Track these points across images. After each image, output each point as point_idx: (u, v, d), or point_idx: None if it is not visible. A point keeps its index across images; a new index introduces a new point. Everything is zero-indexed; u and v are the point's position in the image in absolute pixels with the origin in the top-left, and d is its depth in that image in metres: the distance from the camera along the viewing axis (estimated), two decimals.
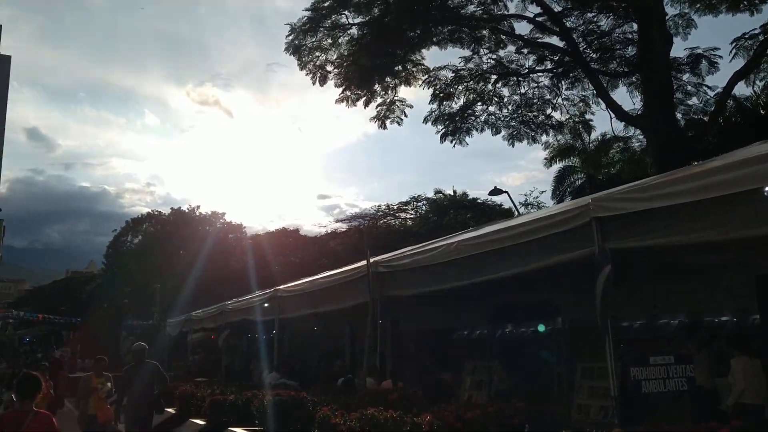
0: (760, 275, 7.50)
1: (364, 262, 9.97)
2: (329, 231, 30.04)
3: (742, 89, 16.73)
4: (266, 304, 13.91)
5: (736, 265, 7.56)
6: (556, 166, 30.94)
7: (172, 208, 54.27)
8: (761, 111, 17.78)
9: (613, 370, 5.08)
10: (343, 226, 28.37)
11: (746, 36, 15.24)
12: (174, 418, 12.06)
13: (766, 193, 4.57)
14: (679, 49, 16.26)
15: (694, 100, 18.10)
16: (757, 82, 16.09)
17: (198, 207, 54.11)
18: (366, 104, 18.23)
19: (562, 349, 10.45)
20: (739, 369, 7.04)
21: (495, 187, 20.70)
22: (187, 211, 53.75)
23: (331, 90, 19.04)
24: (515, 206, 23.88)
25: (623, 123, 17.59)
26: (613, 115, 16.49)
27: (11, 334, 57.99)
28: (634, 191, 5.23)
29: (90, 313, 47.99)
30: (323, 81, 18.87)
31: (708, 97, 16.34)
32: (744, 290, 7.91)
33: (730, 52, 15.77)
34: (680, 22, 16.91)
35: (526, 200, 28.40)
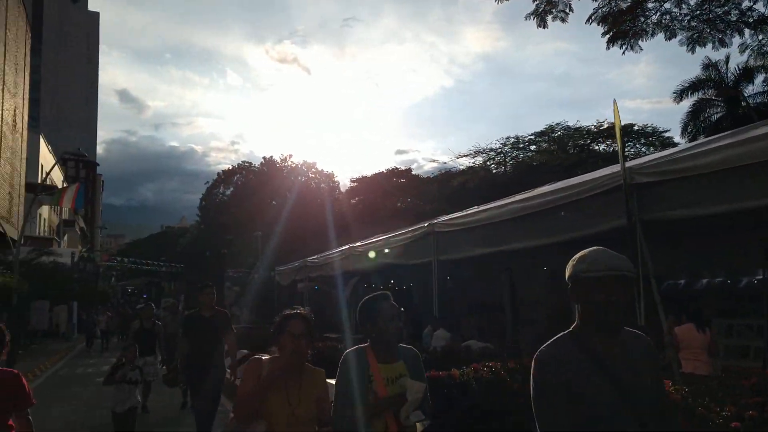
0: None
1: (606, 171, 6.79)
2: (443, 171, 26.95)
3: None
4: (416, 244, 11.12)
5: None
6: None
7: (264, 158, 52.75)
8: None
9: None
10: (463, 163, 25.17)
11: None
12: None
13: None
14: None
15: None
16: None
17: (290, 156, 52.37)
18: None
19: None
20: None
21: None
22: (279, 161, 52.21)
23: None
24: None
25: None
26: None
27: (114, 285, 59.27)
28: None
29: (189, 264, 47.69)
30: None
31: None
32: None
33: None
34: None
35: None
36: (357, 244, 15.02)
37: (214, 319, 7.24)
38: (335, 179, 50.86)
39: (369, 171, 45.47)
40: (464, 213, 10.33)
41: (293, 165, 51.59)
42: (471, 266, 13.98)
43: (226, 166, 48.64)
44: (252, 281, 29.86)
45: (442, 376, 5.50)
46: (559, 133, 22.28)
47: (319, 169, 50.80)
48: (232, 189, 54.89)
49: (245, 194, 49.36)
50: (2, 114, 24.36)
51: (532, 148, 23.03)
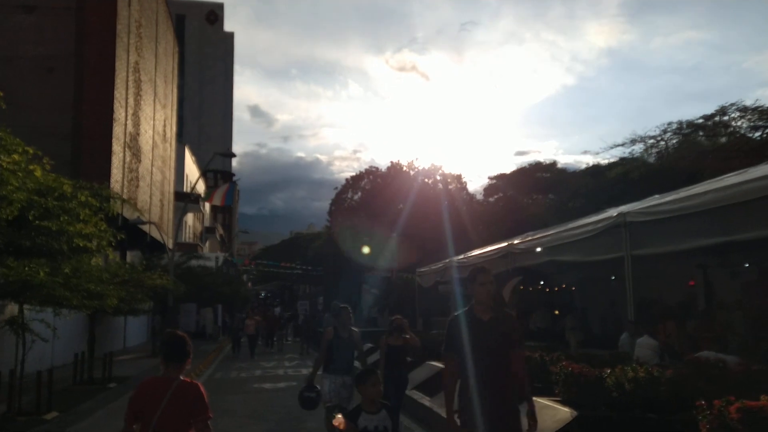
0: None
1: None
2: (590, 164, 25.04)
3: None
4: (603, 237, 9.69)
5: None
6: None
7: (391, 162, 52.66)
8: None
9: None
10: (603, 158, 23.19)
11: None
12: None
13: None
14: None
15: None
16: None
17: (416, 159, 51.86)
18: None
19: None
20: None
21: None
22: (405, 165, 51.89)
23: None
24: None
25: None
26: None
27: (251, 288, 61.83)
28: None
29: (325, 267, 48.55)
30: None
31: None
32: None
33: None
34: None
35: None
36: (516, 241, 13.76)
37: (498, 325, 4.36)
38: (463, 180, 49.73)
39: (489, 173, 43.99)
40: (666, 200, 8.76)
41: (419, 168, 51.04)
42: (645, 262, 12.23)
43: (350, 174, 49.10)
44: (389, 283, 29.41)
45: None
46: (733, 114, 19.69)
47: (447, 171, 49.84)
48: (359, 194, 55.35)
49: (373, 198, 49.45)
50: (154, 124, 25.59)
51: (700, 133, 20.56)
